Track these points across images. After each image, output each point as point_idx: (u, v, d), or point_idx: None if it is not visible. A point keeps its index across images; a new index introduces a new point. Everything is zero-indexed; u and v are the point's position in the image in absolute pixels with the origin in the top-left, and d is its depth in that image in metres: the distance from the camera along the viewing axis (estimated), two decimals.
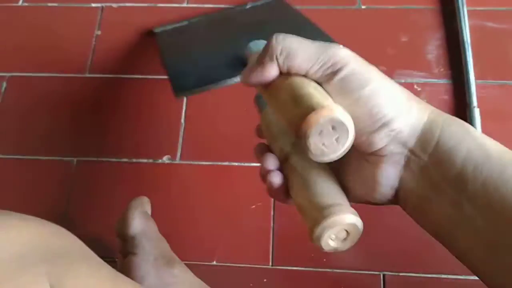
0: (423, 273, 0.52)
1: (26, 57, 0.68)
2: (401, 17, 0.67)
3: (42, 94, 0.65)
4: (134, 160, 0.60)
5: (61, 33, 0.69)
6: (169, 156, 0.60)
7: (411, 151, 0.29)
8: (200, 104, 0.63)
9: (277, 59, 0.31)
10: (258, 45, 0.42)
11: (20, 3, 0.72)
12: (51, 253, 0.32)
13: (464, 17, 0.65)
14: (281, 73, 0.32)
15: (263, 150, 0.37)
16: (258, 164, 0.57)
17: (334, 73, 0.29)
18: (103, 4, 0.71)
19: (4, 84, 0.65)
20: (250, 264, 0.54)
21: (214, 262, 0.54)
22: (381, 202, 0.32)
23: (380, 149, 0.29)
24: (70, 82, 0.65)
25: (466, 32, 0.64)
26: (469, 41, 0.63)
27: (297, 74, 0.31)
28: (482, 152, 0.27)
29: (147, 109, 0.63)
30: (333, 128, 0.27)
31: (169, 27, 0.67)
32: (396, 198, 0.31)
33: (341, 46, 0.31)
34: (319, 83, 0.30)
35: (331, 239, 0.29)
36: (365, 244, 0.54)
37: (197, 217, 0.56)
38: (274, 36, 0.32)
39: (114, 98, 0.64)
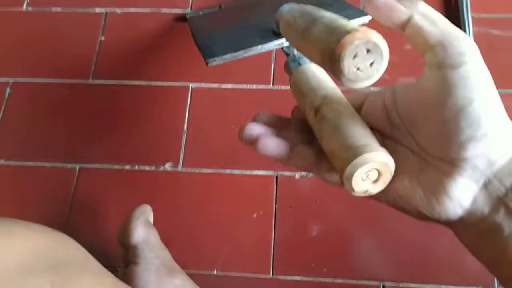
0: (422, 283, 0.52)
1: (30, 62, 0.68)
2: None
3: (46, 100, 0.65)
4: (137, 167, 0.60)
5: (65, 38, 0.70)
6: (171, 163, 0.60)
7: (495, 173, 0.27)
8: (203, 110, 0.63)
9: (415, 13, 0.28)
10: (291, 6, 0.42)
11: (24, 8, 0.73)
12: (55, 261, 0.33)
13: (468, 25, 0.65)
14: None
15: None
16: (259, 172, 0.58)
17: (459, 63, 0.27)
18: (107, 10, 0.71)
19: (8, 90, 0.66)
20: (250, 274, 0.54)
21: (215, 272, 0.54)
22: (436, 218, 0.29)
23: (465, 159, 0.27)
24: (74, 88, 0.66)
25: None
26: None
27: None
28: None
29: (150, 115, 0.63)
30: (368, 51, 0.27)
31: (200, 12, 0.68)
32: (457, 220, 0.29)
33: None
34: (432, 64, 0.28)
35: (362, 179, 0.29)
36: (365, 254, 0.54)
37: (198, 225, 0.57)
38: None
39: (117, 104, 0.64)
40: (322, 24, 0.30)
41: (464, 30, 0.64)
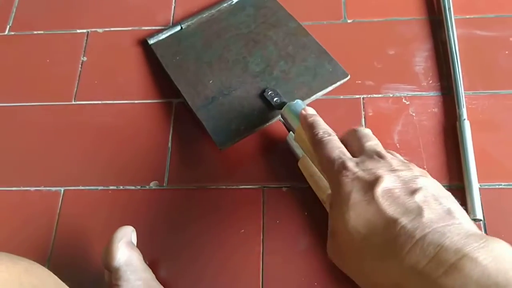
0: None
1: (13, 86, 0.68)
2: (388, 30, 0.66)
3: (29, 123, 0.65)
4: (122, 187, 0.59)
5: (47, 61, 0.69)
6: (156, 181, 0.59)
7: None
8: (187, 126, 0.62)
9: None
10: (294, 107, 0.52)
11: (6, 32, 0.72)
12: None
13: (452, 26, 0.64)
14: None
15: None
16: (246, 186, 0.57)
17: None
18: (89, 30, 0.71)
19: None
20: None
21: None
22: None
23: None
24: (57, 110, 0.65)
25: (454, 42, 0.63)
26: (457, 51, 0.62)
27: None
28: None
29: (134, 134, 0.63)
30: None
31: (162, 36, 0.67)
32: None
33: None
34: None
35: None
36: None
37: (184, 243, 0.56)
38: None
39: (100, 124, 0.64)
40: None
41: (448, 32, 0.63)
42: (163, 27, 0.70)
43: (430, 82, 0.62)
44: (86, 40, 0.70)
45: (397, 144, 0.58)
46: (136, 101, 0.65)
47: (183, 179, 0.59)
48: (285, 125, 0.56)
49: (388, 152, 0.40)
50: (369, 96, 0.61)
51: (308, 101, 0.58)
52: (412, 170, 0.36)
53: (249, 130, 0.57)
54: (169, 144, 0.61)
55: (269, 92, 0.58)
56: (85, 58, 0.69)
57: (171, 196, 0.58)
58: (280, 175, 0.58)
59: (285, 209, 0.56)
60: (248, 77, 0.61)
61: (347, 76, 0.59)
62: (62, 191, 0.60)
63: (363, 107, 0.61)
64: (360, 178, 0.35)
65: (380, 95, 0.61)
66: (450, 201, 0.33)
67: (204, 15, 0.67)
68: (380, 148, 0.40)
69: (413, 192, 0.33)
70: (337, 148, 0.40)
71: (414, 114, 0.60)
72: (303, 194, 0.56)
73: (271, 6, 0.67)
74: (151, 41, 0.67)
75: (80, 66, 0.68)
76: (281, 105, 0.54)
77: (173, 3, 0.72)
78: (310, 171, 0.52)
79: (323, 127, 0.44)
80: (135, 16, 0.72)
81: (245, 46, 0.64)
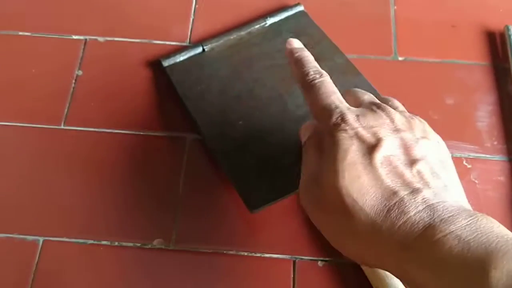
0: None
1: None
2: (445, 74, 0.57)
3: (2, 149, 0.52)
4: (117, 243, 0.48)
5: (33, 71, 0.57)
6: (161, 239, 0.48)
7: None
8: (203, 171, 0.51)
9: None
10: None
11: None
12: None
13: None
14: None
15: None
16: (272, 255, 0.46)
17: None
18: (87, 37, 0.59)
19: None
20: None
21: None
22: None
23: None
24: (40, 135, 0.53)
25: None
26: None
27: None
28: None
29: (136, 174, 0.51)
30: None
31: (180, 57, 0.55)
32: None
33: None
34: None
35: None
36: None
37: None
38: None
39: (95, 158, 0.52)
40: None
41: None
42: (178, 44, 0.58)
43: (495, 143, 0.52)
44: (84, 49, 0.58)
45: None
46: (140, 132, 0.53)
47: (195, 239, 0.48)
48: None
49: (385, 100, 0.39)
50: None
51: None
52: (414, 131, 0.34)
53: (288, 190, 0.46)
54: (180, 190, 0.50)
55: None
56: (80, 72, 0.57)
57: (179, 260, 0.47)
58: (317, 246, 0.47)
59: None
60: (287, 121, 0.50)
61: None
62: (41, 242, 0.47)
63: None
64: (360, 137, 0.32)
65: None
66: (448, 174, 0.33)
67: (232, 37, 0.56)
68: (378, 100, 0.38)
69: (412, 162, 0.31)
70: (332, 93, 0.36)
71: (477, 181, 0.50)
72: (345, 272, 0.46)
73: (312, 33, 0.56)
74: (166, 63, 0.55)
75: (73, 81, 0.56)
76: None
77: (192, 16, 0.60)
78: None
79: (313, 65, 0.39)
80: (145, 26, 0.60)
81: (282, 81, 0.53)
